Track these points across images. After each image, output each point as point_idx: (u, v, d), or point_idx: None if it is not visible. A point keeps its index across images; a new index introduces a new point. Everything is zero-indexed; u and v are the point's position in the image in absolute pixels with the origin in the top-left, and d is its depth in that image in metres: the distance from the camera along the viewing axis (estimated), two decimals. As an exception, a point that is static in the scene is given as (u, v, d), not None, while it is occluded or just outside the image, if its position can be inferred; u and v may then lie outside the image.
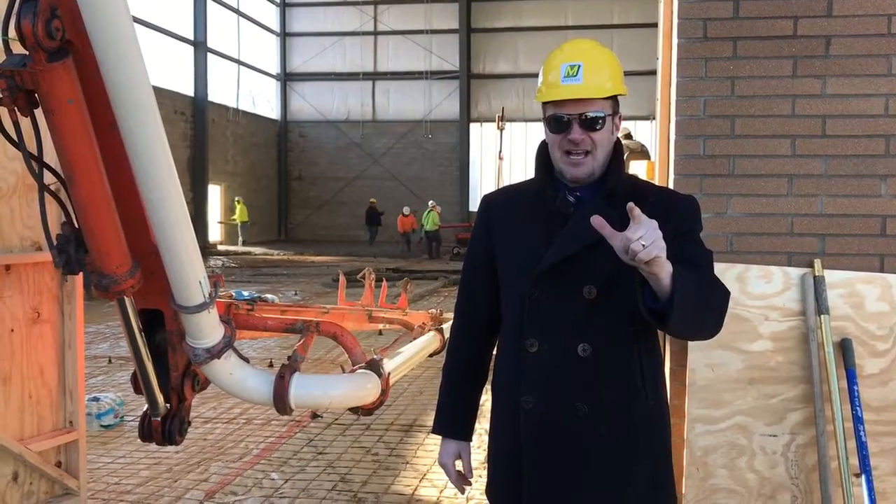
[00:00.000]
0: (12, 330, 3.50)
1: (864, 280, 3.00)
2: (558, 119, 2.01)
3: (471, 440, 2.34)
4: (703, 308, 1.89)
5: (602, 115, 2.00)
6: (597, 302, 2.00)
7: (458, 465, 2.30)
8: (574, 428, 2.01)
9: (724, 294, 1.98)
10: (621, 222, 1.94)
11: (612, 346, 2.02)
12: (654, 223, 1.70)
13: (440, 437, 2.33)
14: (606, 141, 2.04)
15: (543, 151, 2.13)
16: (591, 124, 1.99)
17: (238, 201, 30.75)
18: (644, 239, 1.66)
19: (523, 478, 2.05)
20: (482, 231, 2.22)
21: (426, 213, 26.83)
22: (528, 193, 2.16)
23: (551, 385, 2.03)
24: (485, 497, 2.29)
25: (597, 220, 1.76)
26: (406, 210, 29.95)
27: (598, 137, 2.01)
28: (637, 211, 1.70)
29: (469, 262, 2.28)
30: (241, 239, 30.63)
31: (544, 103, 2.06)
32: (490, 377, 2.27)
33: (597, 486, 2.02)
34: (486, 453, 2.30)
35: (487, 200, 2.27)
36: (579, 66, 1.98)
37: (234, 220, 30.59)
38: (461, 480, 2.31)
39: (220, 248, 29.40)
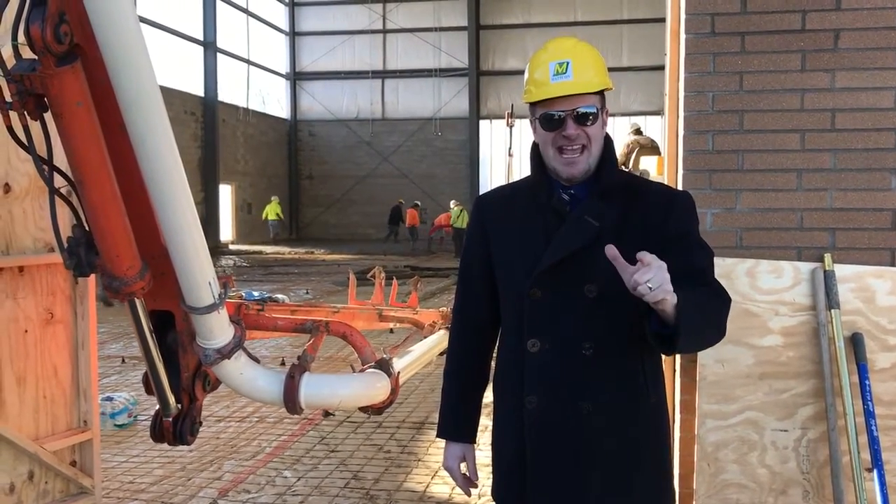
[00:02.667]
0: (26, 331, 3.53)
1: (874, 274, 2.99)
2: (550, 117, 2.01)
3: (475, 442, 2.33)
4: (707, 328, 1.91)
5: (594, 109, 2.01)
6: (598, 300, 2.00)
7: (464, 467, 2.30)
8: (578, 427, 2.01)
9: (724, 303, 1.98)
10: (616, 219, 1.94)
11: (615, 345, 2.02)
12: (663, 265, 1.72)
13: (444, 441, 2.32)
14: (599, 135, 2.04)
15: (537, 151, 2.14)
16: (583, 119, 1.99)
17: (273, 200, 31.88)
18: (652, 283, 1.69)
19: (527, 478, 2.05)
20: (478, 231, 2.21)
21: (459, 212, 26.67)
22: (523, 193, 2.17)
23: (554, 385, 2.03)
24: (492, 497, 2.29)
25: (610, 251, 1.78)
26: (417, 203, 30.03)
27: (592, 132, 2.01)
28: (646, 256, 1.72)
29: (466, 263, 2.28)
30: (271, 235, 31.67)
31: (534, 103, 2.06)
32: (492, 378, 2.27)
33: (601, 485, 2.02)
34: (490, 454, 2.30)
35: (482, 201, 2.27)
36: (568, 63, 1.99)
37: (270, 220, 31.65)
38: (467, 483, 2.30)
39: (231, 247, 29.55)
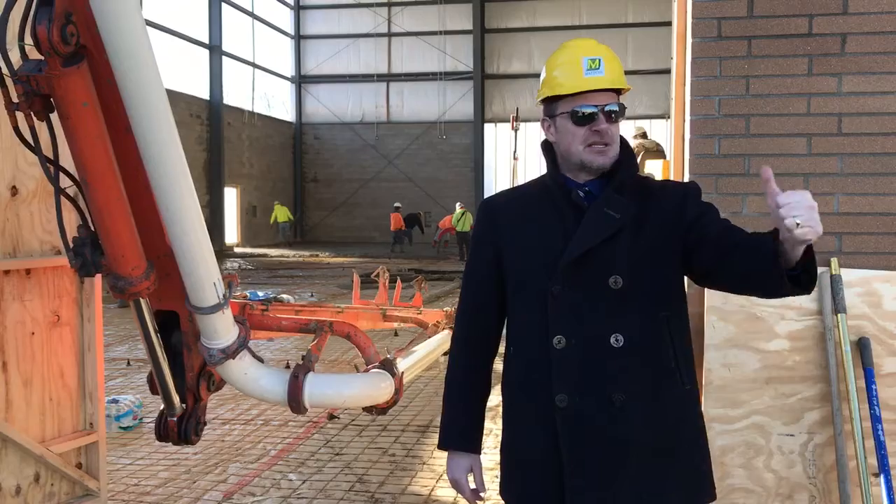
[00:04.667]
0: (33, 333, 3.53)
1: (881, 279, 2.98)
2: (583, 112, 2.02)
3: (481, 452, 2.29)
4: None
5: (621, 107, 2.05)
6: (624, 291, 1.99)
7: (471, 479, 2.25)
8: (612, 419, 1.99)
9: None
10: (635, 211, 1.98)
11: (644, 333, 2.01)
12: (806, 194, 1.63)
13: (448, 452, 2.27)
14: (619, 133, 2.09)
15: (549, 149, 2.15)
16: (612, 116, 2.03)
17: (277, 204, 32.46)
18: (800, 218, 1.61)
19: (564, 476, 2.01)
20: (487, 234, 2.19)
21: (461, 213, 26.60)
22: (534, 193, 2.17)
23: (585, 379, 2.00)
24: (501, 498, 2.26)
25: (766, 172, 1.70)
26: (398, 205, 30.06)
27: (615, 130, 2.06)
28: (784, 193, 1.64)
29: (473, 268, 2.25)
30: (280, 238, 32.39)
31: (554, 99, 2.07)
32: (500, 383, 2.24)
33: (638, 474, 1.99)
34: (497, 458, 2.27)
35: (490, 204, 2.25)
36: (600, 60, 2.03)
37: (280, 222, 32.33)
38: (474, 496, 2.26)
39: (236, 250, 29.61)
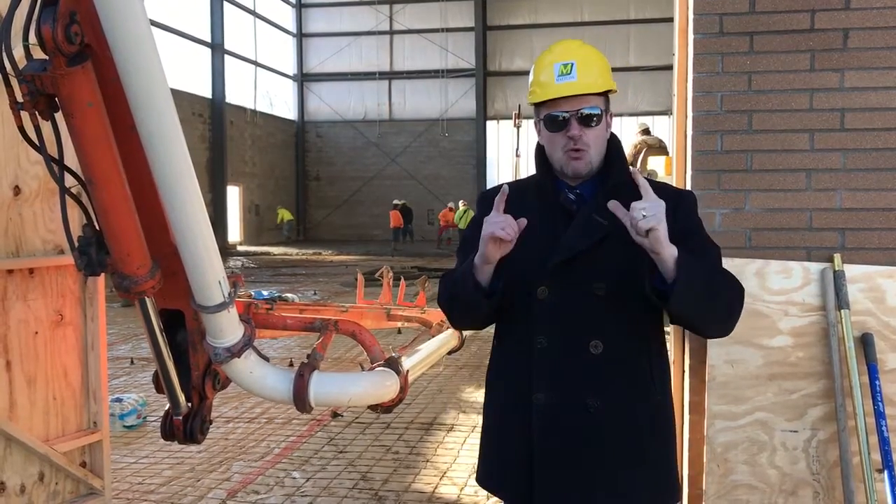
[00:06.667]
0: (36, 332, 3.54)
1: (884, 274, 2.97)
2: (554, 118, 2.03)
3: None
4: (711, 292, 1.90)
5: (598, 111, 2.03)
6: (607, 298, 2.01)
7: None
8: (585, 424, 2.02)
9: (734, 282, 1.99)
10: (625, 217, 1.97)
11: (624, 343, 2.04)
12: (661, 203, 1.79)
13: (475, 266, 1.98)
14: (602, 138, 2.07)
15: (541, 152, 2.16)
16: (587, 120, 2.02)
17: (279, 208, 33.59)
18: (646, 210, 1.77)
19: (534, 473, 2.05)
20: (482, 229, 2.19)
21: (464, 211, 26.75)
22: (528, 191, 2.17)
23: (563, 381, 2.03)
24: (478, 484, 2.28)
25: (612, 204, 1.85)
26: (396, 202, 30.14)
27: (594, 134, 2.04)
28: (642, 181, 1.82)
29: (466, 253, 2.17)
30: (285, 235, 33.43)
31: (538, 104, 2.08)
32: (488, 375, 2.26)
33: (608, 482, 2.03)
34: (477, 452, 2.29)
35: (487, 197, 2.24)
36: (572, 65, 2.02)
37: (286, 221, 33.51)
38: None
39: (239, 248, 29.64)
